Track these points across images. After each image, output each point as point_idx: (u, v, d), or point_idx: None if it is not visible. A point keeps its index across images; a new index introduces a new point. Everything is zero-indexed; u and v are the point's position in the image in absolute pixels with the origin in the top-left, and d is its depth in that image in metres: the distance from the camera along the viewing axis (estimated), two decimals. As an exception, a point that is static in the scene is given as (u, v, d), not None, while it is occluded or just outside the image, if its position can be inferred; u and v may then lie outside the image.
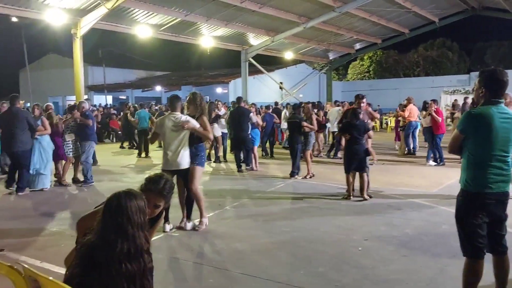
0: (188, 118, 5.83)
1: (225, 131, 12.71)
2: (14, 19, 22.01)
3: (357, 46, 30.53)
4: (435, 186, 8.89)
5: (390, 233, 5.79)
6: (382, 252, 5.09)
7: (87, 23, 15.51)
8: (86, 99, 12.55)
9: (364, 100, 8.89)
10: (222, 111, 13.54)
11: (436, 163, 11.52)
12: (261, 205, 7.56)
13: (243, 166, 11.20)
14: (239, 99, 11.91)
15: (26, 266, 2.24)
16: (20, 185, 8.54)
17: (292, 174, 10.02)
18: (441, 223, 6.15)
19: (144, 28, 18.37)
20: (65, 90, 32.98)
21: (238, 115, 11.24)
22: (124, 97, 38.54)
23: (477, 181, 3.42)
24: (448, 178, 9.38)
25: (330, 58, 32.32)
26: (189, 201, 6.01)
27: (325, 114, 15.77)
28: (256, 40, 23.87)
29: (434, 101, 12.36)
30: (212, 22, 19.51)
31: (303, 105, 10.92)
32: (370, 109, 11.84)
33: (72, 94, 19.72)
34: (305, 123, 9.82)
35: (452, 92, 29.59)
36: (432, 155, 11.72)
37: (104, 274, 2.10)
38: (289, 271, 4.55)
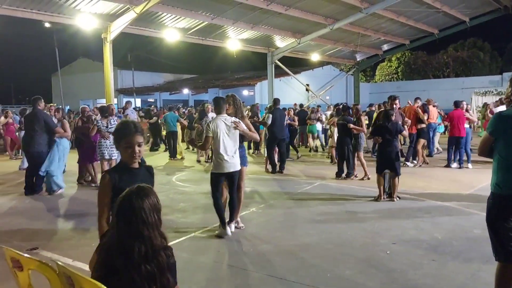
0: (237, 119, 5.85)
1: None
2: (47, 25, 22.62)
3: (385, 47, 30.11)
4: (466, 190, 8.68)
5: (418, 237, 5.69)
6: (411, 256, 5.00)
7: (116, 28, 15.87)
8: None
9: (397, 101, 8.84)
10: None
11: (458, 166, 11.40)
12: (288, 207, 7.55)
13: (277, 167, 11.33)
14: (276, 101, 11.83)
15: (60, 263, 2.31)
16: (35, 188, 8.75)
17: (348, 175, 10.10)
18: (472, 227, 6.00)
19: (172, 32, 18.64)
20: (95, 94, 33.78)
21: (280, 116, 11.44)
22: (152, 100, 39.19)
23: (508, 183, 3.34)
24: (479, 181, 9.14)
25: (357, 59, 32.00)
26: (236, 202, 6.00)
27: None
28: (282, 42, 23.87)
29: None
30: (238, 25, 19.62)
31: (352, 106, 11.02)
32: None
33: (102, 97, 20.18)
34: (352, 125, 9.87)
35: (483, 94, 28.85)
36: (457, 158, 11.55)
37: (124, 278, 2.10)
38: (315, 274, 4.53)
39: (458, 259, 4.89)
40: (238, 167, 5.81)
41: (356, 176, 10.06)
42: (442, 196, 8.08)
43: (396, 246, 5.33)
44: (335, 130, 11.94)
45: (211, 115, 12.39)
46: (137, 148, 2.86)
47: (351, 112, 10.43)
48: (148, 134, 16.85)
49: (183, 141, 15.79)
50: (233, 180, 5.83)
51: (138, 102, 37.33)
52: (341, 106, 11.21)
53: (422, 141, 12.09)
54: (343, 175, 10.14)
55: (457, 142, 11.38)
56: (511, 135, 3.31)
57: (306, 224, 6.39)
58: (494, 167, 3.46)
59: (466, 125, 11.56)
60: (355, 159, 10.15)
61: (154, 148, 17.07)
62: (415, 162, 11.92)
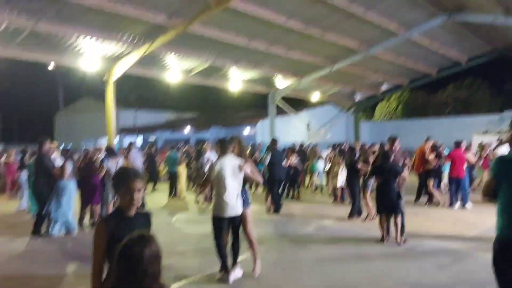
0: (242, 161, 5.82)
1: None
2: (50, 67, 23.03)
3: (384, 87, 30.51)
4: (470, 231, 8.58)
5: (423, 280, 5.59)
6: (416, 301, 4.89)
7: (119, 70, 16.15)
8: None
9: (397, 142, 8.83)
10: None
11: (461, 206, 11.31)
12: (290, 249, 7.44)
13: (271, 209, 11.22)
14: (274, 141, 11.91)
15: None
16: (35, 228, 8.68)
17: (351, 215, 10.08)
18: (477, 270, 5.90)
19: (175, 73, 18.95)
20: (97, 133, 34.02)
21: (278, 156, 11.53)
22: (153, 139, 39.41)
23: (513, 227, 3.31)
24: (483, 221, 9.06)
25: (356, 99, 32.37)
26: (238, 246, 5.91)
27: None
28: (284, 82, 24.22)
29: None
30: (240, 65, 19.97)
31: (361, 147, 11.34)
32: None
33: (104, 136, 20.30)
34: (360, 165, 9.99)
35: (484, 133, 28.99)
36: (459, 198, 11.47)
37: None
38: (319, 320, 4.42)
39: (464, 304, 4.78)
40: (239, 211, 5.71)
41: (372, 218, 9.90)
42: (446, 237, 7.98)
43: (400, 290, 5.23)
44: (340, 169, 11.98)
45: (209, 155, 12.48)
46: (136, 195, 2.83)
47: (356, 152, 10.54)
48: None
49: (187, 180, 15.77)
50: (235, 224, 5.75)
51: (139, 140, 37.54)
52: (346, 146, 11.31)
53: (432, 181, 11.98)
54: (356, 215, 10.11)
55: (457, 182, 11.35)
56: (513, 178, 3.32)
57: (308, 268, 6.28)
58: (498, 210, 3.45)
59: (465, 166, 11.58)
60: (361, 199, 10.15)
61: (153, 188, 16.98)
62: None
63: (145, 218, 2.97)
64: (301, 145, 19.40)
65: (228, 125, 34.30)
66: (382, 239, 7.64)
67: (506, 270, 3.30)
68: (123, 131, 35.95)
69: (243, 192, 5.95)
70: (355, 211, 10.11)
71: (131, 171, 2.94)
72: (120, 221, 2.81)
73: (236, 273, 5.80)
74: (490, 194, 3.51)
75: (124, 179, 2.86)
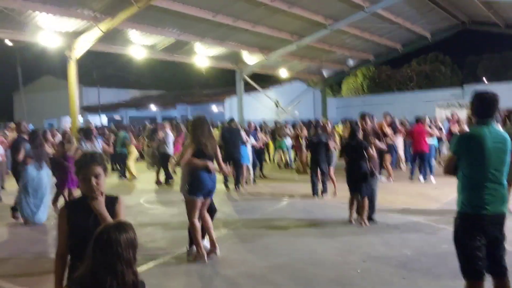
0: None
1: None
2: (8, 43, 21.97)
3: (350, 62, 30.73)
4: (433, 204, 8.84)
5: (388, 254, 5.72)
6: (382, 274, 5.01)
7: (81, 46, 15.56)
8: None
9: (366, 119, 8.22)
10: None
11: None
12: (258, 228, 7.45)
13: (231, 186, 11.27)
14: (230, 120, 12.14)
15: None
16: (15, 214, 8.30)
17: (324, 191, 9.97)
18: (440, 242, 6.08)
19: (139, 49, 18.44)
20: (60, 112, 32.97)
21: (231, 135, 11.32)
22: (118, 117, 38.57)
23: (473, 202, 3.41)
24: (445, 195, 9.34)
25: (324, 75, 32.53)
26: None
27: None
28: (251, 59, 24.01)
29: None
30: (206, 41, 19.62)
31: (322, 123, 11.08)
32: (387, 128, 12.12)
33: (66, 115, 19.69)
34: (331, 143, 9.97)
35: (446, 106, 29.79)
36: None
37: None
38: (287, 297, 4.46)
39: (427, 276, 4.93)
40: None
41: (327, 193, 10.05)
42: (410, 211, 8.19)
43: (366, 264, 5.34)
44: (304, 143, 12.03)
45: (167, 134, 12.67)
46: (94, 180, 2.75)
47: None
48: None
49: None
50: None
51: (104, 119, 36.66)
52: (314, 122, 11.22)
53: (389, 157, 12.14)
54: (320, 191, 10.00)
55: (420, 157, 11.62)
56: (474, 154, 3.40)
57: (276, 245, 6.32)
58: (458, 186, 3.53)
59: (432, 140, 11.83)
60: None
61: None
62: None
63: (111, 202, 2.88)
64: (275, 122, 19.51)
65: (195, 103, 33.88)
66: (350, 220, 7.44)
67: (466, 243, 3.41)
68: (87, 109, 34.98)
69: None
70: (325, 189, 10.07)
71: (88, 157, 2.84)
72: (82, 206, 2.77)
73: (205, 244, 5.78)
74: (451, 170, 3.58)
75: (81, 166, 2.79)
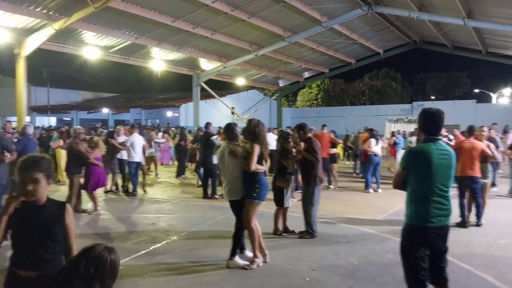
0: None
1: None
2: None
3: (306, 74, 31.39)
4: (380, 214, 9.12)
5: (336, 263, 5.86)
6: (329, 283, 5.12)
7: (32, 43, 14.99)
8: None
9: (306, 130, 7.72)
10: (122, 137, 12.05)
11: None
12: (211, 235, 7.43)
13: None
14: (208, 124, 11.87)
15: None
16: None
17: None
18: (385, 252, 6.29)
19: (93, 49, 18.00)
20: (6, 111, 31.46)
21: (207, 139, 11.16)
22: (68, 119, 37.30)
23: (420, 215, 3.57)
24: (392, 206, 9.66)
25: (280, 85, 32.99)
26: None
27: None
28: (208, 65, 24.00)
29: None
30: (163, 46, 19.44)
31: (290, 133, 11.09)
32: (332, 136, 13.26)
33: (13, 114, 18.84)
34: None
35: (396, 121, 30.97)
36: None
37: None
38: (236, 305, 4.47)
39: (373, 284, 5.09)
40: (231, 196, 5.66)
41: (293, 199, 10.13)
42: (358, 221, 8.41)
43: (315, 273, 5.44)
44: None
45: (122, 138, 11.74)
46: (30, 186, 2.67)
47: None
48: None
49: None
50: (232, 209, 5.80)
51: (53, 120, 35.35)
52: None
53: (335, 166, 12.97)
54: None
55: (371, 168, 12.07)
56: (422, 169, 3.56)
57: (227, 253, 6.30)
58: (407, 199, 3.68)
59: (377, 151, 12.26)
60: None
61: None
62: (331, 186, 12.60)
63: (58, 207, 2.80)
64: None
65: (150, 107, 33.33)
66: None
67: (411, 254, 3.56)
68: (35, 109, 33.60)
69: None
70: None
71: (30, 160, 2.75)
72: (28, 207, 2.69)
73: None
74: (400, 184, 3.73)
75: (21, 168, 2.71)
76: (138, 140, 11.28)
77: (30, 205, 2.70)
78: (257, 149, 5.47)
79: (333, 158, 12.92)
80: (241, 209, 5.58)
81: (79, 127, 10.93)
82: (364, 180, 12.57)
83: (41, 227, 2.69)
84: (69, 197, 8.61)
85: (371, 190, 11.94)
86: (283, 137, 7.84)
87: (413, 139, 12.50)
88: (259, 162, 5.57)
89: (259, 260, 5.62)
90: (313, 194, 7.16)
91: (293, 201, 9.74)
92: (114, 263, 2.13)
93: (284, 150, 7.49)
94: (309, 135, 7.57)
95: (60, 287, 2.11)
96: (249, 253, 5.84)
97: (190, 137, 15.26)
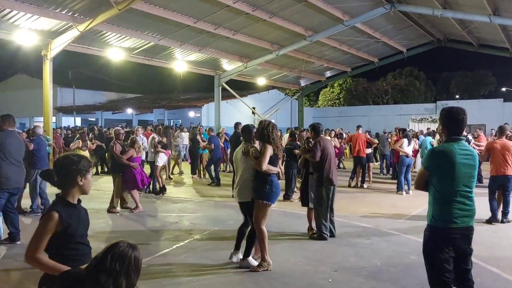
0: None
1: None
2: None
3: (328, 73, 31.17)
4: (403, 215, 9.01)
5: (359, 264, 5.82)
6: (352, 284, 5.10)
7: (58, 45, 15.32)
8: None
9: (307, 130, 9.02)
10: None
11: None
12: (232, 234, 7.45)
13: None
14: (237, 124, 12.58)
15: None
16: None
17: (288, 197, 10.45)
18: (409, 253, 6.22)
19: (117, 51, 18.27)
20: (33, 111, 32.25)
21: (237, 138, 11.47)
22: (93, 119, 37.96)
23: (443, 216, 3.50)
24: (416, 207, 9.55)
25: (302, 84, 32.85)
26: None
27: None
28: (230, 66, 24.08)
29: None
30: (185, 47, 19.61)
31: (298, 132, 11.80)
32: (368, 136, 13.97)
33: (40, 115, 19.30)
34: (297, 151, 9.89)
35: (419, 120, 30.48)
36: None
37: None
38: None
39: (396, 286, 5.04)
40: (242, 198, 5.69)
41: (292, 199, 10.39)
42: (380, 222, 8.33)
43: (337, 274, 5.41)
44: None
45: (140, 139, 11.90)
46: None
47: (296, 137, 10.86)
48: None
49: None
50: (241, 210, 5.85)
51: (78, 121, 36.00)
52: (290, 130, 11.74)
53: (371, 165, 13.38)
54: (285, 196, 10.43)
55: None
56: (444, 170, 3.50)
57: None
58: (429, 200, 3.63)
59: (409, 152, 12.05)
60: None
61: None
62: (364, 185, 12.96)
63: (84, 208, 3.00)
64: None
65: (172, 108, 33.62)
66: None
67: (435, 256, 3.50)
68: (61, 110, 34.30)
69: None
70: (290, 194, 10.54)
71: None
72: (71, 209, 2.84)
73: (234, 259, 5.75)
74: (422, 185, 3.68)
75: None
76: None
77: (73, 206, 2.90)
78: (269, 150, 5.44)
79: (370, 158, 13.32)
80: (251, 211, 5.56)
81: (119, 128, 11.17)
82: (396, 181, 12.40)
83: None
84: (113, 195, 9.22)
85: (403, 193, 11.69)
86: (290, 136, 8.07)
87: (429, 139, 12.28)
88: (273, 163, 5.53)
89: (267, 263, 5.49)
90: (321, 196, 7.00)
91: (293, 201, 9.92)
92: (137, 259, 2.21)
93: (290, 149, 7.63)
94: (321, 135, 7.47)
95: (87, 283, 2.17)
96: (241, 255, 5.73)
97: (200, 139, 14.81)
